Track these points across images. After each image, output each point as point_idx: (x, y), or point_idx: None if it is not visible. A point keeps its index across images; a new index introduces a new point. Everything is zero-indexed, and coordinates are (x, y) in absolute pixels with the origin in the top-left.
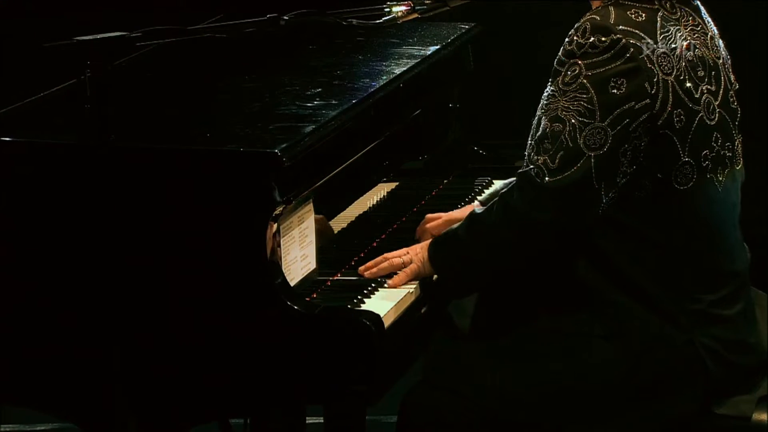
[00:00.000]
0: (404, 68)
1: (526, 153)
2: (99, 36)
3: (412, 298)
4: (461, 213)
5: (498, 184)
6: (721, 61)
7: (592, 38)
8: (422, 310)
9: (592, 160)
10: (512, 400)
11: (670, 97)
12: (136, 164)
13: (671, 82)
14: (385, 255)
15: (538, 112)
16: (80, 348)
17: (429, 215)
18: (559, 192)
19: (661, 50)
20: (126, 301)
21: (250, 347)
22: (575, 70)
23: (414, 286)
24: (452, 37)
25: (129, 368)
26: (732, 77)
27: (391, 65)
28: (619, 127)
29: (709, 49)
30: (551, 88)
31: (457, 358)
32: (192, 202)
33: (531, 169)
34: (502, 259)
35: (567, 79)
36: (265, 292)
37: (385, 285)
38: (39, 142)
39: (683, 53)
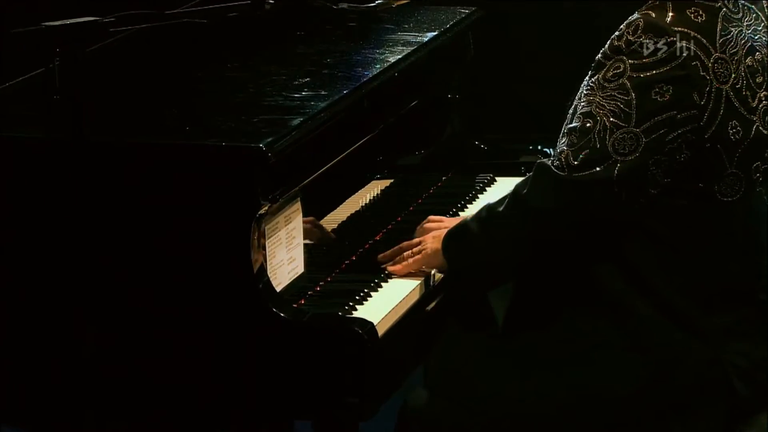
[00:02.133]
0: (399, 56)
1: (563, 127)
2: (69, 21)
3: (412, 301)
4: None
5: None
6: None
7: (644, 38)
8: (424, 314)
9: (618, 166)
10: (522, 412)
11: (722, 108)
12: (109, 160)
13: (726, 91)
14: (402, 244)
15: (575, 101)
16: (48, 351)
17: (432, 216)
18: (575, 185)
19: (719, 55)
20: (97, 311)
21: (233, 358)
22: (619, 67)
23: (414, 287)
24: (451, 23)
25: (102, 381)
26: None
27: (385, 53)
28: (654, 136)
29: None
30: (591, 79)
31: (463, 364)
32: (170, 201)
33: (551, 160)
34: (513, 251)
35: (609, 74)
36: (248, 298)
37: (379, 290)
38: (4, 135)
39: (743, 58)
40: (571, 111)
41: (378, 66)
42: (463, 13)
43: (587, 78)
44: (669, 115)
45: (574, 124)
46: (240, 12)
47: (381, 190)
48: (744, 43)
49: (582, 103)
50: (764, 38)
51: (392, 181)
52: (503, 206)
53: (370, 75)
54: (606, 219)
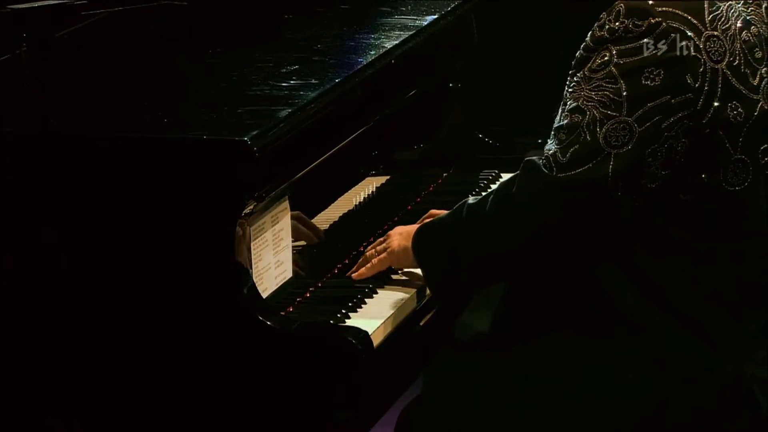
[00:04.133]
0: (396, 41)
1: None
2: (37, 4)
3: (409, 309)
4: None
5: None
6: None
7: (626, 22)
8: (421, 323)
9: (611, 160)
10: (527, 430)
11: (719, 89)
12: (81, 155)
13: (722, 70)
14: (369, 249)
15: (563, 100)
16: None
17: (434, 210)
18: (567, 187)
19: (710, 33)
20: (67, 318)
21: (215, 370)
22: (605, 56)
23: (411, 294)
24: (453, 5)
25: (73, 392)
26: None
27: (380, 38)
28: (647, 124)
29: (767, 24)
30: (576, 75)
31: (463, 377)
32: (146, 200)
33: (539, 158)
34: (497, 256)
35: (594, 65)
36: (232, 305)
37: (374, 296)
38: None
39: (737, 33)
40: (557, 116)
41: (373, 52)
42: None
43: (569, 77)
44: (662, 100)
45: (561, 123)
46: None
47: (376, 188)
48: (737, 17)
49: (568, 101)
50: (758, 10)
51: (388, 177)
52: (487, 205)
53: (364, 62)
54: (603, 220)
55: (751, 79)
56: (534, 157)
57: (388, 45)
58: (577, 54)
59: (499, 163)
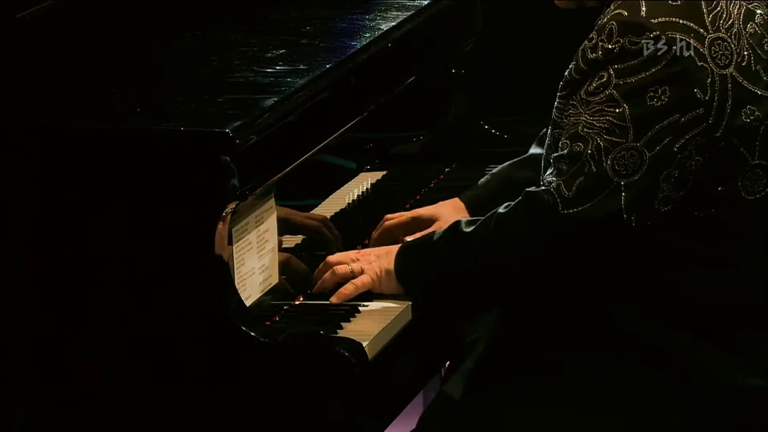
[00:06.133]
0: (393, 23)
1: (543, 161)
2: None
3: (407, 318)
4: (434, 210)
5: (502, 167)
6: None
7: (622, 41)
8: (422, 333)
9: (622, 191)
10: None
11: (730, 96)
12: (46, 148)
13: (731, 75)
14: (329, 259)
15: (550, 129)
16: None
17: (388, 215)
18: (577, 224)
19: (714, 36)
20: (33, 326)
21: (193, 386)
22: (603, 77)
23: (406, 304)
24: None
25: (45, 404)
26: None
27: (376, 19)
28: (658, 148)
29: None
30: (571, 98)
31: (463, 405)
32: (119, 198)
33: (542, 191)
34: (496, 288)
35: (591, 88)
36: (211, 314)
37: (368, 305)
38: None
39: (742, 29)
40: (548, 141)
41: (368, 35)
42: None
43: (559, 99)
44: (671, 120)
45: (560, 152)
46: None
47: (371, 185)
48: (738, 9)
49: (565, 127)
50: None
51: (385, 173)
52: (485, 238)
53: (358, 46)
54: (618, 251)
55: (763, 75)
56: (535, 189)
57: (385, 27)
58: (566, 75)
59: (506, 157)
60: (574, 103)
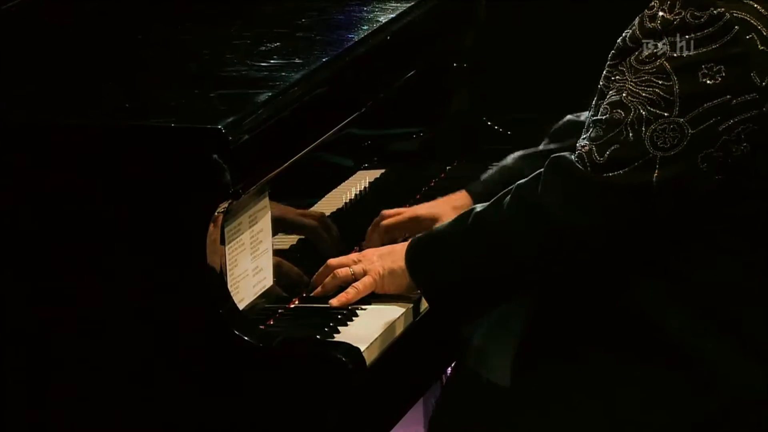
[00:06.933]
0: (393, 15)
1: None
2: None
3: (407, 322)
4: (433, 209)
5: (509, 160)
6: None
7: (684, 13)
8: (422, 338)
9: (657, 164)
10: None
11: None
12: (31, 145)
13: None
14: (329, 262)
15: (599, 88)
16: None
17: (385, 211)
18: (604, 190)
19: None
20: (23, 329)
21: (187, 392)
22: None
23: (406, 306)
24: None
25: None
26: None
27: (374, 11)
28: (702, 127)
29: None
30: (620, 65)
31: (477, 407)
32: (107, 197)
33: (570, 153)
34: (520, 270)
35: (643, 56)
36: (203, 318)
37: (366, 308)
38: None
39: None
40: (591, 111)
41: (366, 27)
42: None
43: (608, 67)
44: (721, 100)
45: (599, 116)
46: None
47: (370, 183)
48: None
49: (610, 93)
50: None
51: (384, 171)
52: (504, 212)
53: (356, 39)
54: (644, 231)
55: None
56: (564, 153)
57: (383, 19)
58: (619, 42)
59: (510, 154)
60: (623, 69)
